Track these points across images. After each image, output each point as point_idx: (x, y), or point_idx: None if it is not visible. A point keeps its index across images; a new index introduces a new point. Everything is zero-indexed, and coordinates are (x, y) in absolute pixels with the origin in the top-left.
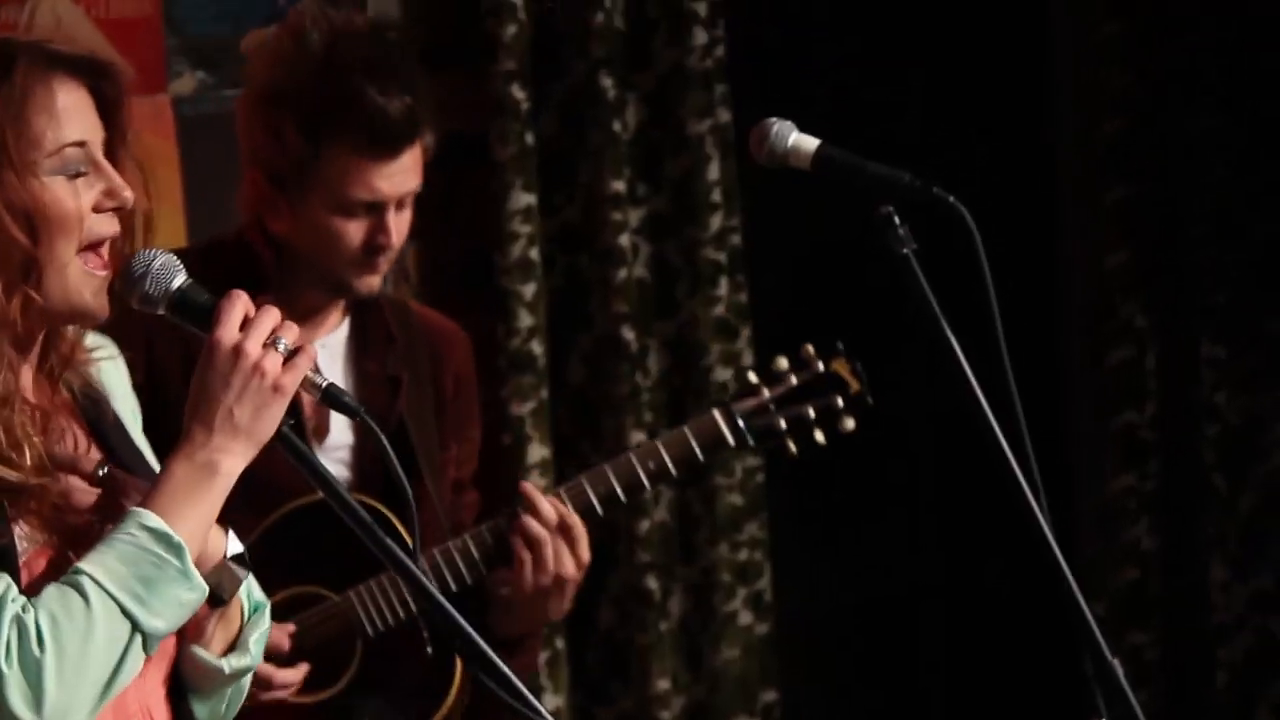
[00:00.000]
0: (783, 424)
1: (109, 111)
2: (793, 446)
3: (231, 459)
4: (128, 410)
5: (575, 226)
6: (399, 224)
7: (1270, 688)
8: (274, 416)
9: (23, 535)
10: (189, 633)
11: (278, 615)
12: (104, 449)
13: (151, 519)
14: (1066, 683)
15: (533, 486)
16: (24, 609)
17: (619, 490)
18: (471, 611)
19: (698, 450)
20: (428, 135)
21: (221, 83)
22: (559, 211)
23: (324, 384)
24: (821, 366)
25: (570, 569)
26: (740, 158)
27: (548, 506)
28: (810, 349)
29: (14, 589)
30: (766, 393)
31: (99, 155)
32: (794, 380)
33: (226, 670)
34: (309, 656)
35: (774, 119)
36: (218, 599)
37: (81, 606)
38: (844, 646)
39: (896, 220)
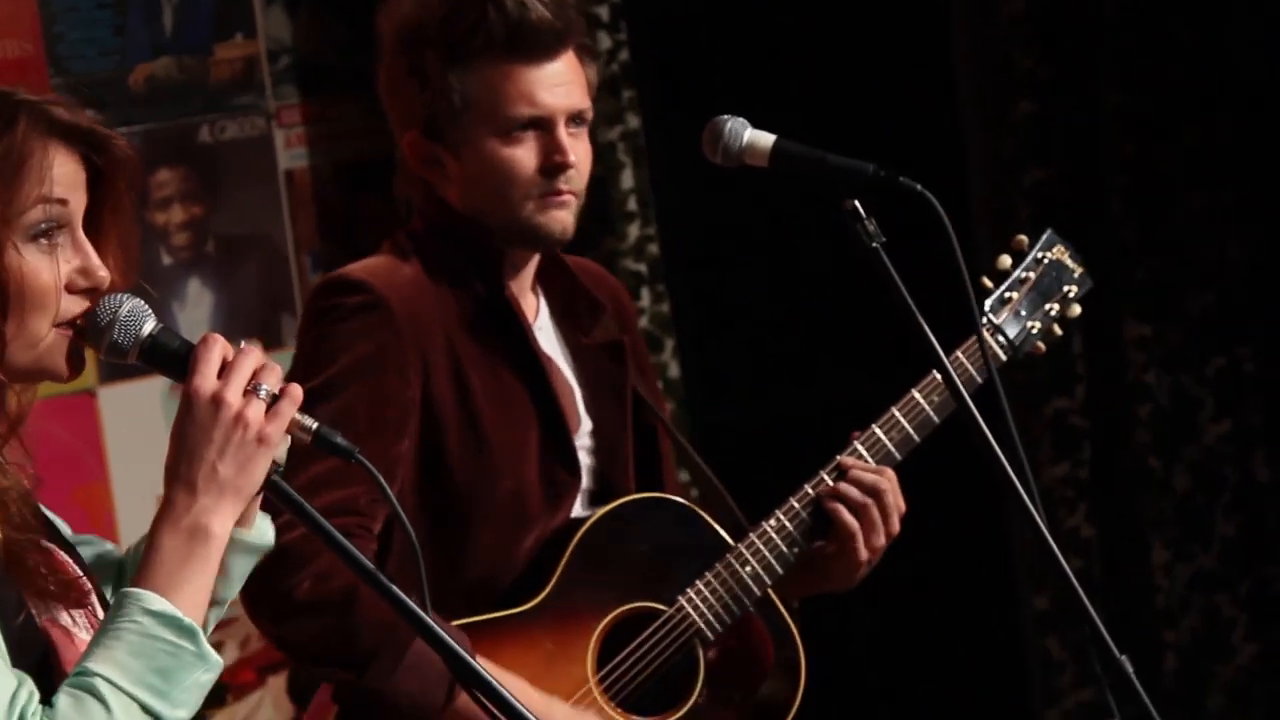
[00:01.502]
0: (1034, 326)
1: (99, 186)
2: (1042, 346)
3: (220, 519)
4: None
5: None
6: (575, 147)
7: (1218, 667)
8: (260, 469)
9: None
10: None
11: (615, 641)
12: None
13: (156, 602)
14: (1003, 685)
15: (849, 456)
16: None
17: (912, 431)
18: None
19: (975, 373)
20: (585, 54)
21: (111, 121)
22: None
23: (314, 426)
24: (1042, 255)
25: (896, 525)
26: (653, 164)
27: (869, 470)
28: (1024, 239)
29: (31, 704)
30: (1015, 297)
31: (79, 229)
32: (1027, 276)
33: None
34: (655, 678)
35: (725, 116)
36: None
37: (101, 713)
38: None
39: (863, 214)
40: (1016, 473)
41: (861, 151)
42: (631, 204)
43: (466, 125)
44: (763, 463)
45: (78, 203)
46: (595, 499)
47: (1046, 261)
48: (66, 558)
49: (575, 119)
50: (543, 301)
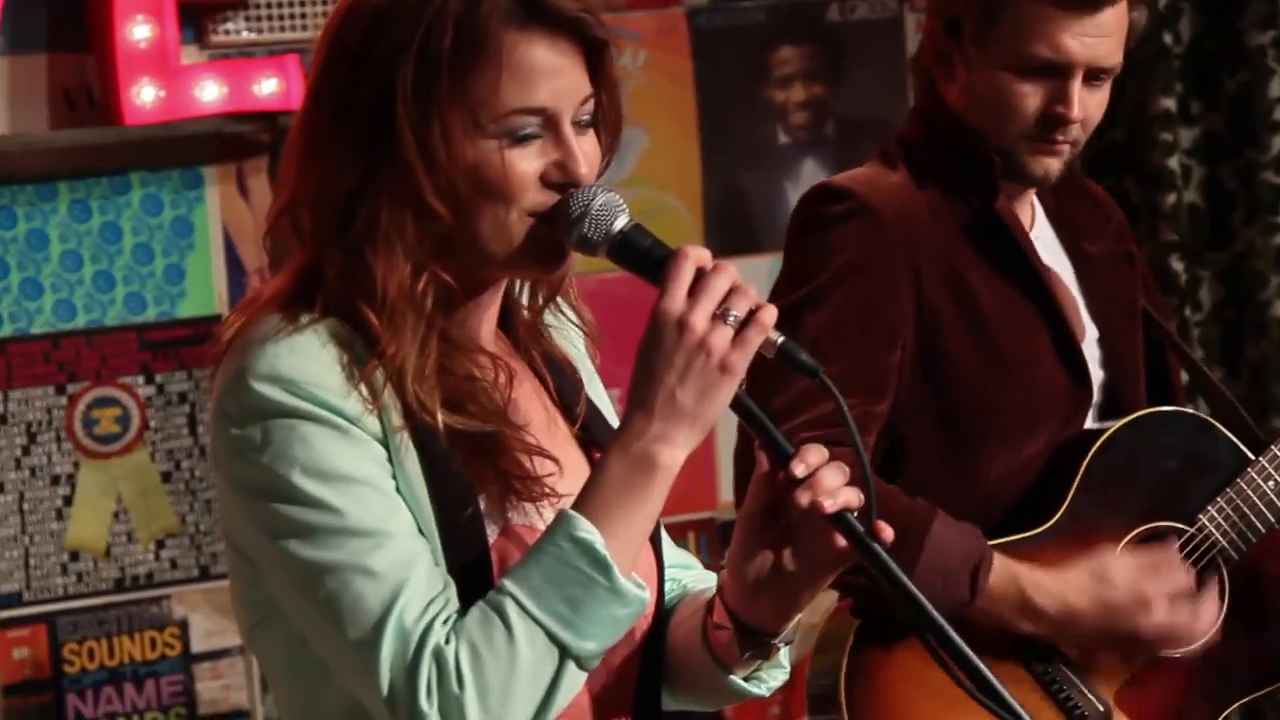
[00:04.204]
0: None
1: (599, 68)
2: None
3: (672, 449)
4: (589, 377)
5: (1120, 147)
6: (1086, 100)
7: None
8: (722, 398)
9: (486, 513)
10: (715, 649)
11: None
12: (568, 417)
13: (582, 527)
14: None
15: None
16: (446, 639)
17: None
18: None
19: None
20: (1137, 3)
21: None
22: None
23: (779, 341)
24: None
25: None
26: None
27: None
28: None
29: (444, 612)
30: None
31: (564, 124)
32: None
33: (752, 693)
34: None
35: None
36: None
37: (503, 635)
38: None
39: None
40: None
41: None
42: (1278, 114)
43: (986, 42)
44: None
45: (566, 100)
46: (1103, 412)
47: None
48: (548, 451)
49: (1098, 73)
50: (1040, 208)
